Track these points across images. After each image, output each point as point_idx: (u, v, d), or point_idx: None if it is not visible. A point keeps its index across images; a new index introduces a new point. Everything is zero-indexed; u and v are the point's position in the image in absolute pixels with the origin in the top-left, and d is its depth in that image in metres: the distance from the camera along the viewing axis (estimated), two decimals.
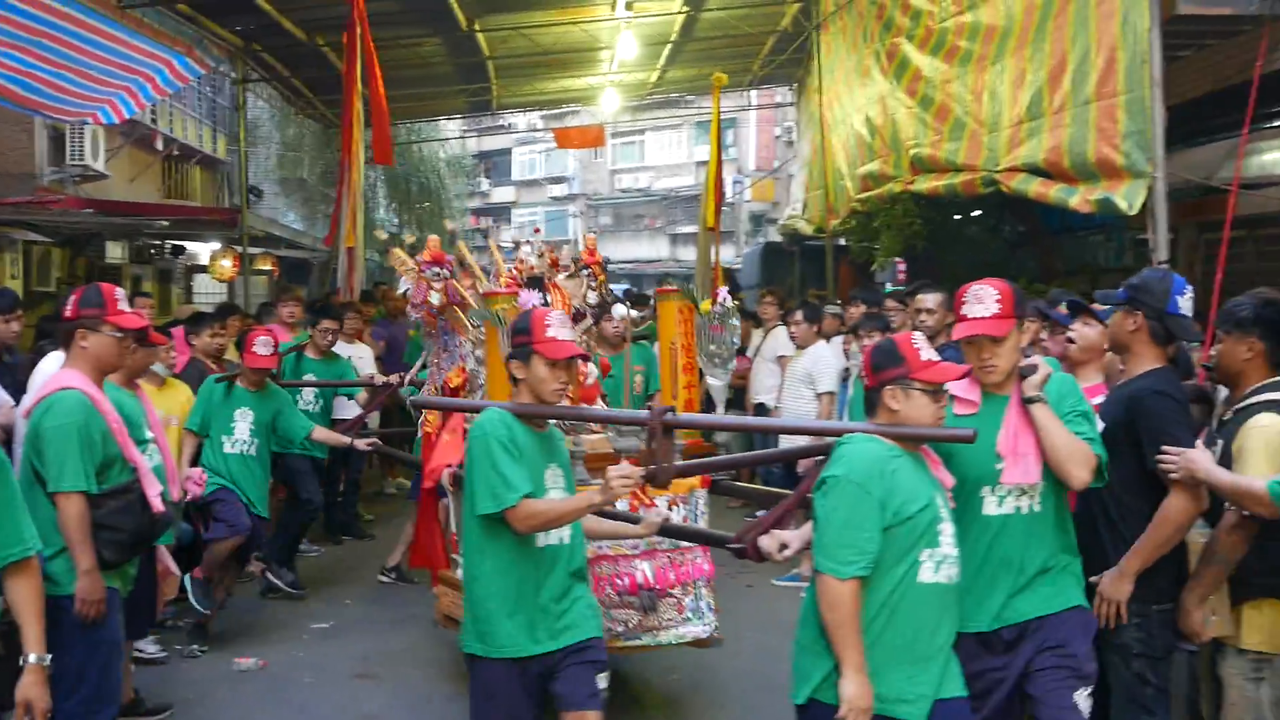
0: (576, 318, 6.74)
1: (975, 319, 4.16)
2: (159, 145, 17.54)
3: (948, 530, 3.79)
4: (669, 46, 17.67)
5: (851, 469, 3.69)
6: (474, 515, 4.26)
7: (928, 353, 3.83)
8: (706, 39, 17.02)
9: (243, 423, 7.92)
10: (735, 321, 6.63)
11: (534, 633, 4.27)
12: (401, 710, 6.75)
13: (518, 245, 7.19)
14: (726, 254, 26.91)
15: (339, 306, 11.85)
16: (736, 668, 6.97)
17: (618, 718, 5.88)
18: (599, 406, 6.62)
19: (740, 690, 6.78)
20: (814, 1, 15.99)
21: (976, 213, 16.18)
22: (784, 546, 4.24)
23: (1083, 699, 4.12)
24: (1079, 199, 9.41)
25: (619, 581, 5.66)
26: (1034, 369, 4.39)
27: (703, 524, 6.04)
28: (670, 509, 5.75)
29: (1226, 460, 4.54)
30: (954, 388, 4.18)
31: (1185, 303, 4.72)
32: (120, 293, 5.23)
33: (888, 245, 15.64)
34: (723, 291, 6.71)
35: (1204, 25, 10.98)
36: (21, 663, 3.76)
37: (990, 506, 4.16)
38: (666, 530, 4.85)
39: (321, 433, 8.42)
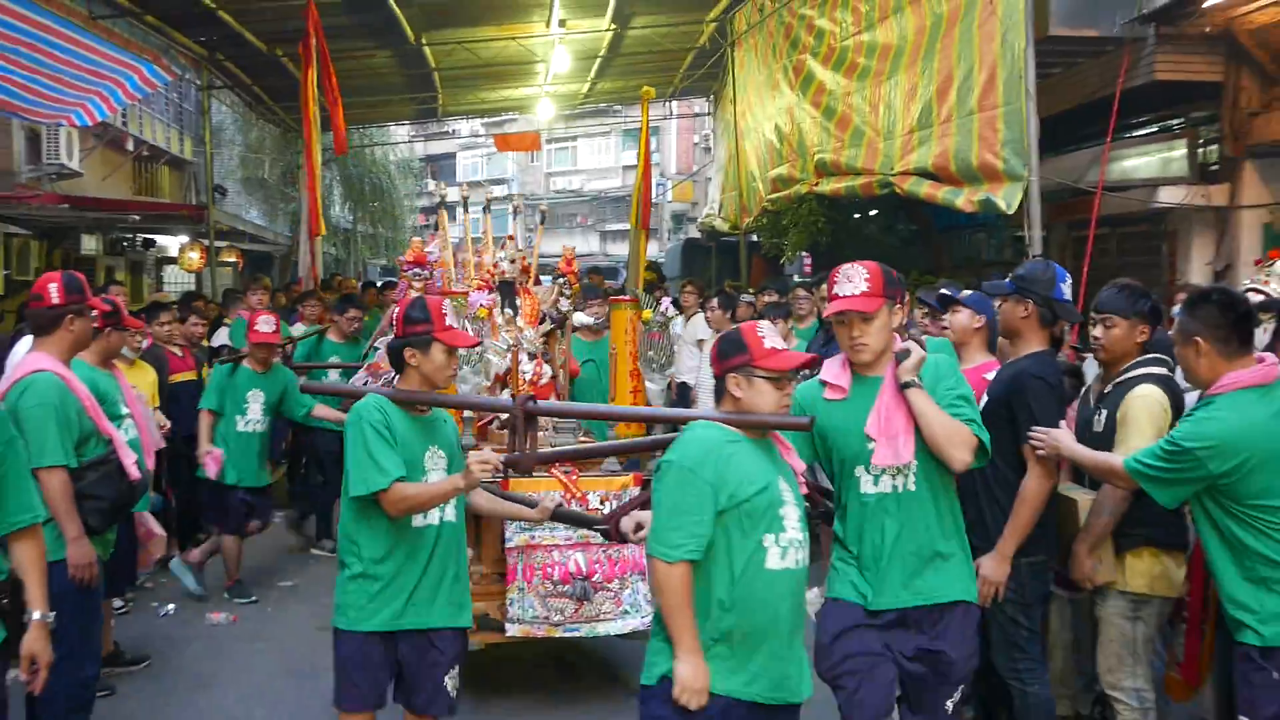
0: (541, 320, 6.73)
1: (845, 297, 3.94)
2: (129, 146, 17.39)
3: (793, 515, 3.55)
4: (598, 61, 17.65)
5: (684, 454, 3.48)
6: (349, 497, 4.11)
7: (772, 341, 3.55)
8: (632, 54, 16.98)
9: (255, 404, 7.95)
10: (676, 330, 6.74)
11: (405, 610, 4.16)
12: None
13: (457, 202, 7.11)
14: (651, 249, 27.11)
15: (301, 294, 11.96)
16: None
17: (592, 700, 6.12)
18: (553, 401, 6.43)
19: None
20: (729, 20, 15.97)
21: (874, 212, 16.33)
22: (639, 527, 4.07)
23: (953, 703, 4.04)
24: (964, 200, 9.59)
25: (551, 570, 5.57)
26: (908, 353, 4.13)
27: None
28: (602, 504, 5.71)
29: (1110, 425, 4.72)
30: (826, 374, 4.08)
31: (1067, 289, 4.83)
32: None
33: (795, 241, 15.72)
34: (666, 301, 6.74)
35: (1073, 46, 11.11)
36: (26, 620, 3.68)
37: (866, 486, 3.97)
38: (557, 515, 4.53)
39: (323, 409, 8.31)
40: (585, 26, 15.48)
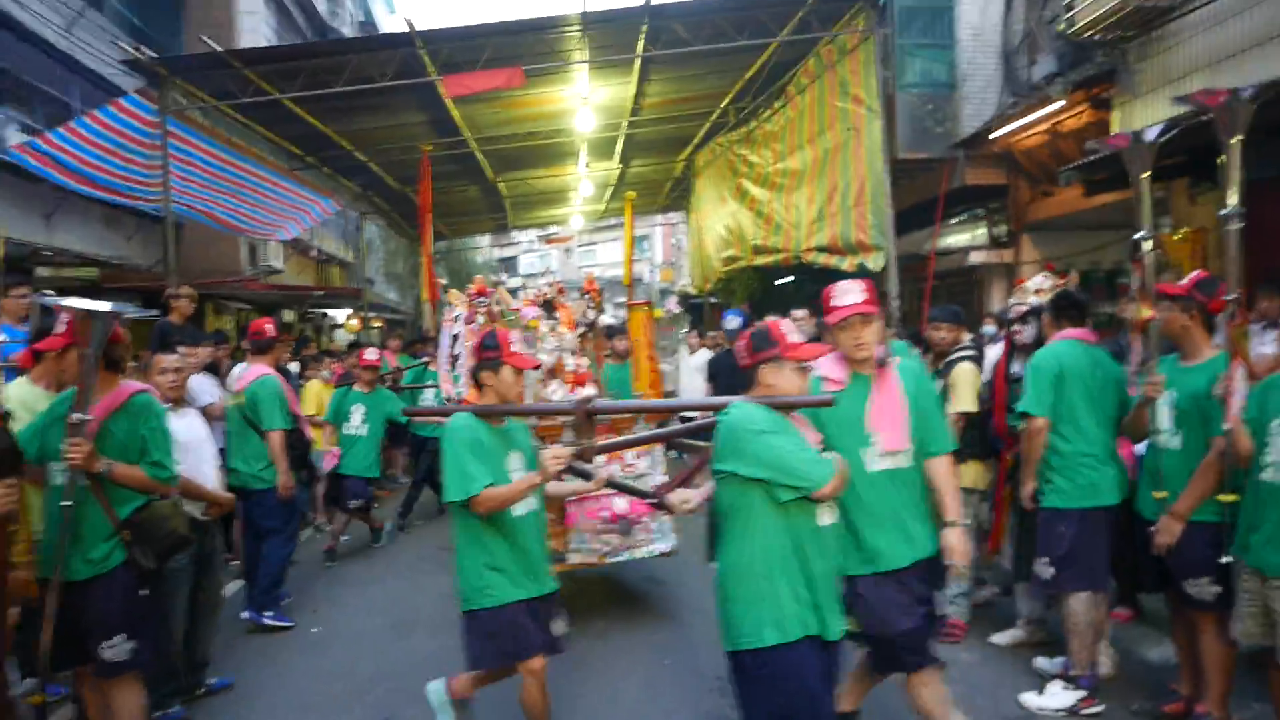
0: (580, 326, 6.16)
1: (852, 304, 3.09)
2: (314, 254, 17.44)
3: None
4: (610, 188, 17.46)
5: (754, 417, 2.72)
6: (447, 501, 3.29)
7: (794, 336, 2.87)
8: (632, 183, 16.58)
9: (357, 415, 7.28)
10: (684, 327, 6.13)
11: (521, 581, 3.33)
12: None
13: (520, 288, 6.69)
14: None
15: (413, 340, 12.13)
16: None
17: (628, 617, 5.35)
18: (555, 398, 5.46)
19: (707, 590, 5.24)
20: (693, 160, 15.83)
21: (790, 278, 16.26)
22: (685, 500, 3.55)
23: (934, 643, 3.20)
24: (848, 264, 9.74)
25: (602, 514, 5.08)
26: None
27: (659, 471, 5.27)
28: (637, 459, 5.22)
29: (945, 390, 4.73)
30: (824, 370, 3.18)
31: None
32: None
33: (739, 297, 15.80)
34: (671, 300, 6.60)
35: (914, 164, 11.24)
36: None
37: (869, 463, 3.09)
38: (612, 483, 3.83)
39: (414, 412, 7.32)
40: (601, 167, 15.41)
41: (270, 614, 5.53)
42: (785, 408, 2.80)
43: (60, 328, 3.45)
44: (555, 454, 3.27)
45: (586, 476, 3.66)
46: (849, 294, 3.14)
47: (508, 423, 3.49)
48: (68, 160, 8.56)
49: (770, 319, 3.04)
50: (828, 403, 2.89)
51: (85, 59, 10.90)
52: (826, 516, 2.75)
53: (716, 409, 2.92)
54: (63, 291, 8.81)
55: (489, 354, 3.39)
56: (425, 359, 9.92)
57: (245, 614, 5.53)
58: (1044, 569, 3.98)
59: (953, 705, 3.22)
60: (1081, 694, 3.85)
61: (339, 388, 7.71)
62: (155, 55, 9.20)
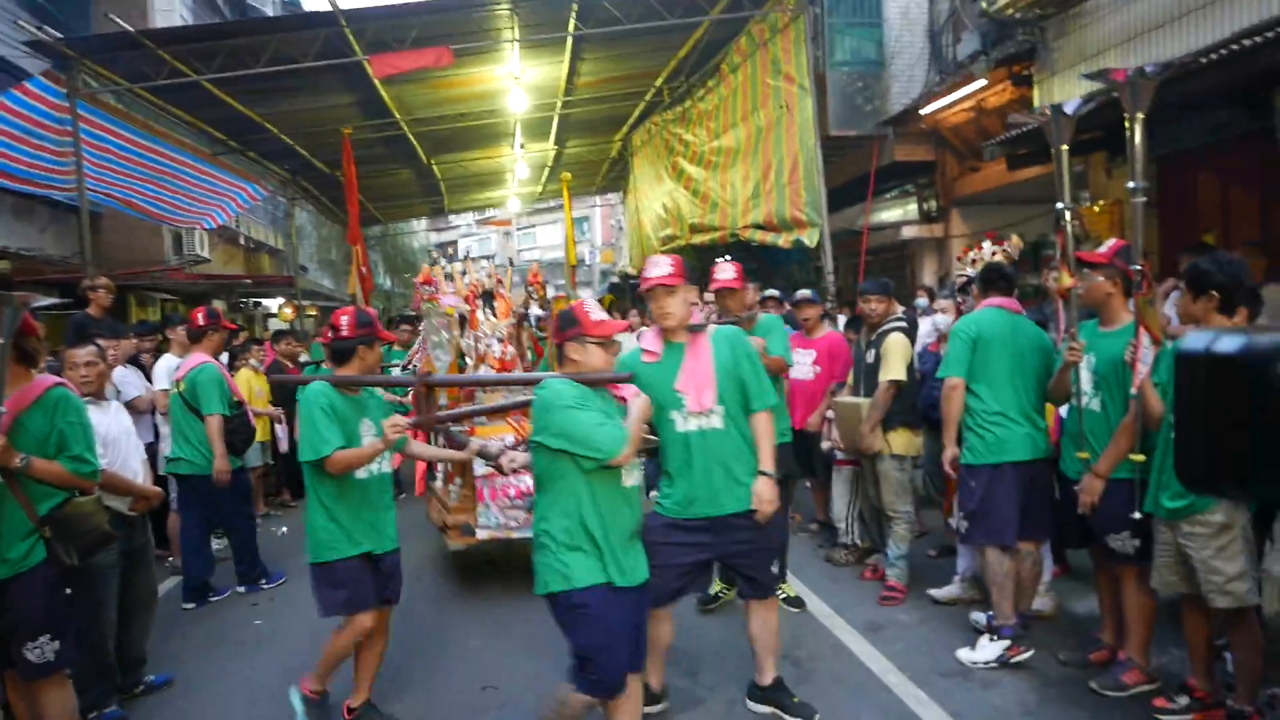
0: (520, 319, 6.27)
1: (656, 277, 3.32)
2: (242, 241, 17.05)
3: None
4: (546, 170, 17.30)
5: (564, 393, 2.88)
6: (302, 461, 3.48)
7: (597, 315, 3.00)
8: (569, 165, 16.54)
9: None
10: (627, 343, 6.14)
11: (362, 539, 3.54)
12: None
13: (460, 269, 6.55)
14: (585, 292, 27.35)
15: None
16: None
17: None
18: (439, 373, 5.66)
19: None
20: (629, 140, 15.79)
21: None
22: (513, 461, 3.79)
23: (774, 565, 3.59)
24: (783, 240, 9.83)
25: (509, 491, 5.09)
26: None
27: None
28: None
29: (877, 357, 4.92)
30: (644, 341, 3.48)
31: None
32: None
33: None
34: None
35: (845, 141, 11.43)
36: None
37: (679, 425, 3.36)
38: (480, 453, 3.89)
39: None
40: (536, 148, 15.26)
41: (266, 581, 5.87)
42: (591, 384, 2.97)
43: None
44: (394, 423, 3.45)
45: (460, 447, 4.02)
46: (656, 267, 3.35)
47: (363, 393, 3.66)
48: None
49: (575, 300, 3.17)
50: (626, 379, 3.04)
51: None
52: (629, 479, 2.98)
53: (536, 384, 3.09)
54: None
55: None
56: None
57: (241, 588, 5.80)
58: (960, 522, 4.20)
59: (770, 637, 3.60)
60: (1006, 644, 3.99)
61: (309, 365, 7.94)
62: (61, 36, 8.77)
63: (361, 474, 3.53)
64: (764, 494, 3.36)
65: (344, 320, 3.69)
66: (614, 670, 2.94)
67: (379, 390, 3.84)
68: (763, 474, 3.39)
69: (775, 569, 3.69)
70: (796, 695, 3.63)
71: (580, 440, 2.81)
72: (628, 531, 2.97)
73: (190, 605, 5.53)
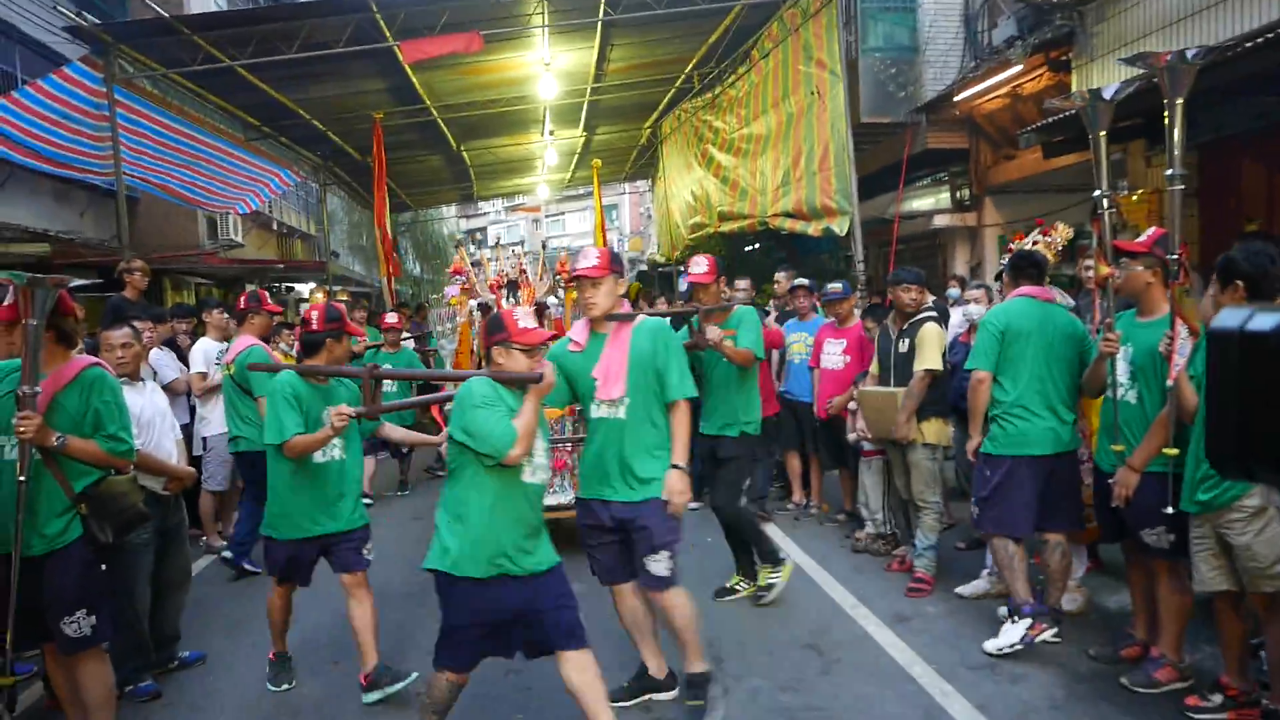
0: (539, 309, 6.26)
1: (581, 268, 3.44)
2: (275, 226, 17.11)
3: (539, 445, 3.08)
4: (575, 157, 17.12)
5: (479, 391, 2.96)
6: (266, 443, 3.74)
7: (524, 323, 3.07)
8: (598, 151, 16.19)
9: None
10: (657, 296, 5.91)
11: (318, 520, 3.80)
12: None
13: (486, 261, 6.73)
14: None
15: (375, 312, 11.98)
16: None
17: None
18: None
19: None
20: (658, 127, 15.69)
21: (757, 245, 16.27)
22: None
23: (659, 561, 3.42)
24: (813, 229, 9.62)
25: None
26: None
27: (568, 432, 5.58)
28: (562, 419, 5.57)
29: (911, 348, 4.91)
30: (573, 333, 3.59)
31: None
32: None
33: None
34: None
35: (877, 129, 11.35)
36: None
37: (594, 411, 3.48)
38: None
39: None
40: (565, 135, 15.20)
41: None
42: (507, 383, 3.04)
43: (7, 300, 3.35)
44: (339, 411, 3.62)
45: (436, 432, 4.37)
46: (583, 259, 3.46)
47: (332, 382, 3.88)
48: (12, 132, 8.27)
49: (504, 308, 3.23)
50: (534, 379, 3.04)
51: (26, 26, 10.49)
52: (530, 475, 3.04)
53: (463, 380, 3.17)
54: (12, 268, 8.51)
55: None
56: (414, 333, 9.99)
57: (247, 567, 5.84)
58: (973, 508, 4.23)
59: (646, 619, 3.65)
60: (1027, 622, 3.93)
61: (369, 350, 7.87)
62: (99, 22, 8.88)
63: (320, 458, 3.75)
64: (674, 486, 3.39)
65: (314, 315, 3.95)
66: (461, 651, 3.07)
67: (350, 381, 4.01)
68: (675, 467, 3.41)
69: (657, 559, 3.44)
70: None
71: (477, 437, 2.91)
72: (524, 526, 3.02)
73: (228, 554, 5.82)
